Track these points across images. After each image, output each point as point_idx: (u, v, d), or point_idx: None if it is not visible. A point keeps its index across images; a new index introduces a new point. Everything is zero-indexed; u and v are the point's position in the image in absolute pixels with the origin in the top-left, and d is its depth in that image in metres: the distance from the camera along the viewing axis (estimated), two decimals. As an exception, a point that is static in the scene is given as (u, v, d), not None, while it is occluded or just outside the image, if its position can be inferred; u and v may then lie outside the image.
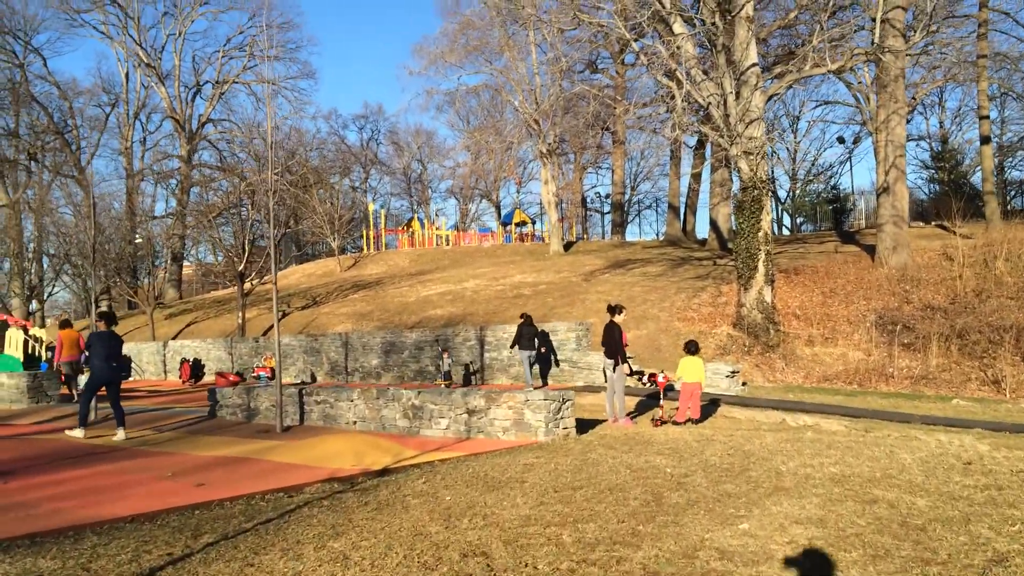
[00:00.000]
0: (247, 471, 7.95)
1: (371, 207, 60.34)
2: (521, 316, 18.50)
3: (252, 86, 59.42)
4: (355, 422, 11.24)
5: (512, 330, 19.68)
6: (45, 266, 44.19)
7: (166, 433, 11.58)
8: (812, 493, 6.02)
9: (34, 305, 46.08)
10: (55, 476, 7.87)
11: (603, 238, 67.52)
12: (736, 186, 35.45)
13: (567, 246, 45.85)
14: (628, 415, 11.70)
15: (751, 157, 21.51)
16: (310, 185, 52.62)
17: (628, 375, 11.46)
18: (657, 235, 65.21)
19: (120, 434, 10.78)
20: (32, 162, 54.43)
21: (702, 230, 59.49)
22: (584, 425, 10.57)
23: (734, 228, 43.52)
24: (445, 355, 18.88)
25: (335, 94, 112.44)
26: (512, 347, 18.13)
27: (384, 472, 7.71)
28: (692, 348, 11.46)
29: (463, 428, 10.09)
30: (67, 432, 11.23)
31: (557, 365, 18.75)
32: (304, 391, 11.88)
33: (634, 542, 4.86)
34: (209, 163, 60.37)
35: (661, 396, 11.56)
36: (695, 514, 5.52)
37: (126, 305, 53.63)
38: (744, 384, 16.44)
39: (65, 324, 16.35)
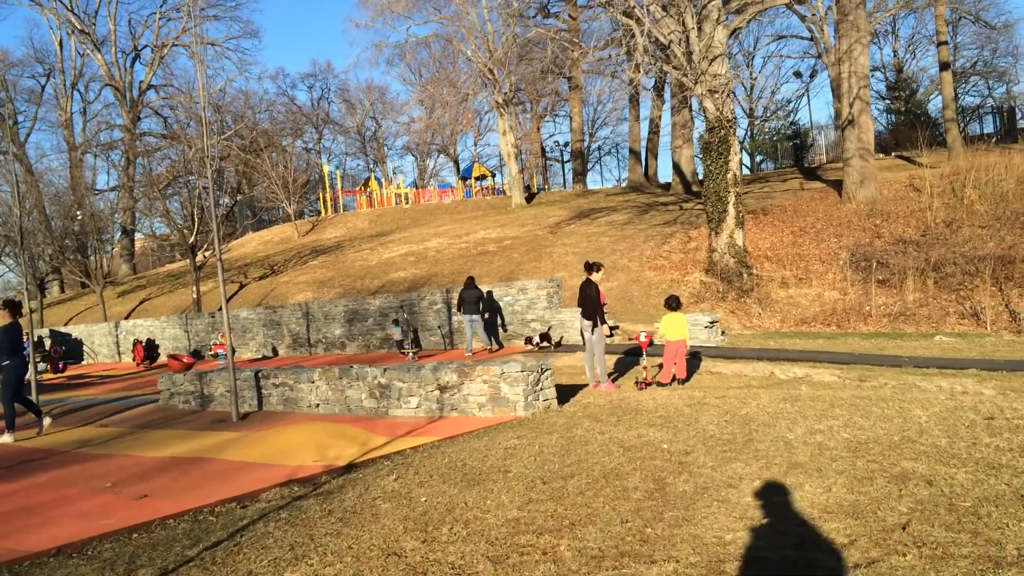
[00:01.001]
0: (197, 474, 7.12)
1: (326, 168, 58.68)
2: (467, 280, 18.04)
3: (193, 48, 56.97)
4: (318, 405, 10.42)
5: (481, 290, 18.91)
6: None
7: (112, 428, 10.68)
8: (832, 469, 5.36)
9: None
10: (-22, 496, 6.98)
11: (564, 188, 66.55)
12: (699, 127, 34.64)
13: (529, 198, 44.92)
14: (610, 377, 11.02)
15: (716, 95, 20.73)
16: (261, 149, 50.87)
17: (608, 336, 10.76)
18: (618, 182, 64.44)
19: (47, 420, 10.84)
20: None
21: (664, 174, 58.81)
22: (564, 393, 9.86)
23: (699, 171, 42.82)
24: (400, 328, 18.17)
25: (281, 53, 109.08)
26: (457, 310, 17.65)
27: (350, 467, 6.93)
28: (674, 304, 10.78)
29: (435, 406, 9.32)
30: None
31: (504, 329, 18.42)
32: (261, 374, 11.02)
33: (645, 552, 4.15)
34: (154, 131, 58.21)
35: (643, 356, 10.88)
36: (708, 506, 4.82)
37: (79, 284, 51.85)
38: (723, 334, 15.87)
39: None
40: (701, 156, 24.08)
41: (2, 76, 54.85)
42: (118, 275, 50.41)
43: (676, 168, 38.91)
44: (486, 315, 17.39)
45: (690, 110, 37.38)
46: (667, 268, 22.67)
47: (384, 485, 6.12)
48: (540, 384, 8.98)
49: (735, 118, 21.92)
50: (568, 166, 69.57)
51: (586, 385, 10.78)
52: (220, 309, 27.82)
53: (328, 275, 30.57)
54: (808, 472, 5.35)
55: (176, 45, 57.06)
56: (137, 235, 56.78)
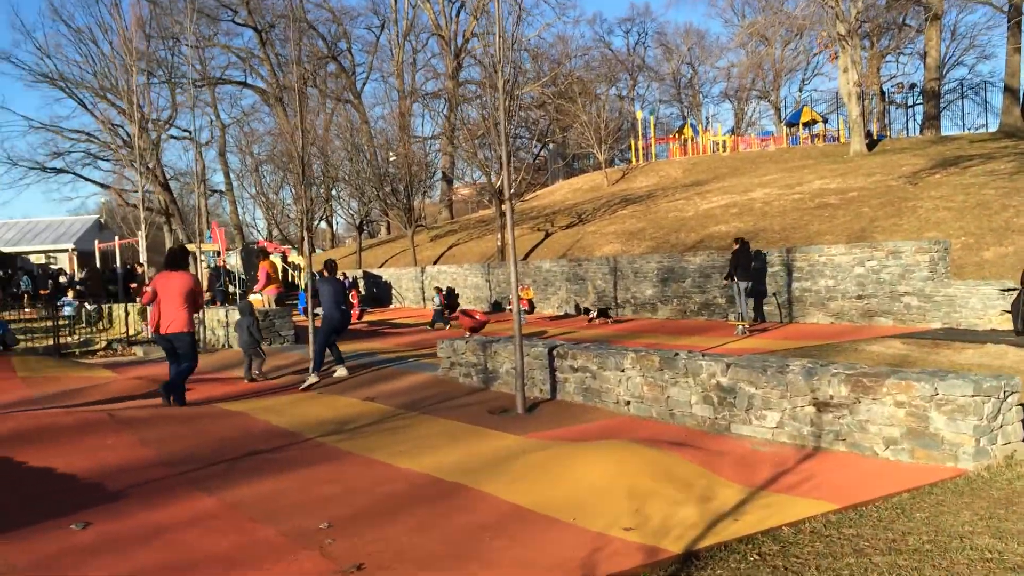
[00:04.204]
0: (445, 529, 4.59)
1: (639, 115, 55.79)
2: (736, 241, 15.56)
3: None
4: (628, 402, 7.61)
5: (831, 251, 15.05)
6: (316, 192, 44.80)
7: (376, 404, 8.70)
8: None
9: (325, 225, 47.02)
10: (158, 518, 5.01)
11: (907, 135, 57.90)
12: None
13: (869, 145, 38.66)
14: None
15: None
16: (575, 96, 49.13)
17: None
18: (974, 129, 54.31)
19: (341, 371, 11.15)
20: (309, 88, 55.97)
21: (1046, 118, 48.21)
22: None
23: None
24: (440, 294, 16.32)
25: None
26: (728, 279, 15.40)
27: (688, 559, 3.98)
28: None
29: (807, 430, 6.07)
30: (300, 387, 10.47)
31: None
32: (556, 352, 8.42)
33: None
34: (473, 79, 58.92)
35: None
36: None
37: (401, 227, 54.15)
38: None
39: (264, 254, 14.45)
40: None
41: (345, 29, 58.32)
42: (437, 219, 51.79)
43: (1078, 107, 30.88)
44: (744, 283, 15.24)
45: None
46: (1089, 232, 16.95)
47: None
48: (1000, 418, 5.37)
49: None
50: (914, 111, 60.49)
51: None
52: (525, 258, 26.22)
53: (638, 226, 27.80)
54: None
55: (498, -8, 56.82)
56: (456, 182, 58.14)
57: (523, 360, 8.04)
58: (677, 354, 7.33)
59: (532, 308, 18.07)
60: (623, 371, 7.63)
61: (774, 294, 15.67)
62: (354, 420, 7.86)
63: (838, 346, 11.49)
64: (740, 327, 14.00)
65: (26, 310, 25.92)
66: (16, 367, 12.40)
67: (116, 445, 6.87)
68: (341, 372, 11.10)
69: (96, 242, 36.61)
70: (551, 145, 55.95)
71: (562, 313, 20.68)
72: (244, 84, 56.06)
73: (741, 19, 63.11)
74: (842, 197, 24.29)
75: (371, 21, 61.28)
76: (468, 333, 14.15)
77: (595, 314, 17.45)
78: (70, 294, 23.93)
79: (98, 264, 35.03)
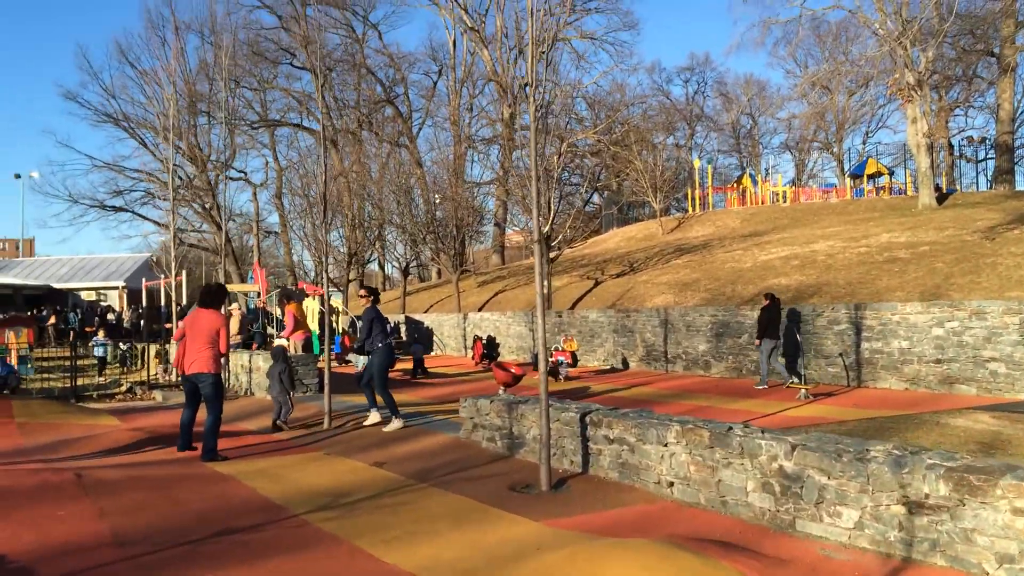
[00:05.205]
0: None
1: (696, 163, 54.65)
2: (766, 296, 14.70)
3: (572, 42, 56.37)
4: (671, 483, 6.43)
5: (905, 310, 13.70)
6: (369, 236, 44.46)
7: (383, 472, 7.65)
8: None
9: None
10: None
11: (977, 189, 55.64)
12: None
13: (939, 199, 36.90)
14: None
15: None
16: (631, 144, 48.30)
17: None
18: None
19: (374, 415, 10.40)
20: (364, 132, 56.24)
21: None
22: None
23: None
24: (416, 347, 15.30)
25: (659, 45, 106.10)
26: (761, 337, 14.29)
27: None
28: None
29: (895, 536, 4.84)
30: (384, 429, 9.98)
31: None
32: (590, 419, 7.29)
33: None
34: (527, 125, 58.61)
35: None
36: None
37: (451, 272, 53.48)
38: None
39: (292, 296, 13.71)
40: None
41: (403, 74, 58.73)
42: (487, 265, 51.06)
43: None
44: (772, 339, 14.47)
45: None
46: None
47: None
48: None
49: None
50: (986, 164, 58.26)
51: None
52: (572, 307, 25.12)
53: (692, 276, 26.52)
54: None
55: (558, 40, 56.73)
56: (509, 229, 57.49)
57: (548, 428, 6.93)
58: (731, 428, 6.16)
59: (575, 361, 16.94)
60: (666, 446, 6.47)
61: (840, 355, 14.29)
62: (354, 491, 6.82)
63: (916, 418, 10.13)
64: (803, 391, 12.65)
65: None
66: (16, 412, 11.70)
67: (70, 516, 5.93)
68: (375, 417, 10.37)
69: (143, 280, 36.63)
70: (605, 193, 55.06)
71: (608, 367, 19.47)
72: (299, 126, 56.73)
73: (803, 69, 62.09)
74: (912, 251, 22.73)
75: (429, 67, 61.55)
76: (503, 388, 13.08)
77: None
78: (101, 334, 23.52)
79: (144, 302, 34.98)
